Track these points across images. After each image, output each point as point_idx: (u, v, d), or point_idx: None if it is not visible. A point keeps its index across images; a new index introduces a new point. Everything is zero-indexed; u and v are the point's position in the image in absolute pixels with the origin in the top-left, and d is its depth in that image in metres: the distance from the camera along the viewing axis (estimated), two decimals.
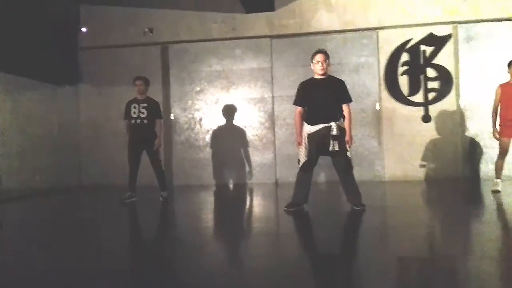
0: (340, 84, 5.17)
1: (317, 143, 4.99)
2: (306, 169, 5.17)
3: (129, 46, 9.20)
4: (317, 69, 5.07)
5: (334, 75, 8.57)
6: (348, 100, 5.14)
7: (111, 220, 5.46)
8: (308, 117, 5.10)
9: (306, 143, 5.07)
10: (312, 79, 5.21)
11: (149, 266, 3.28)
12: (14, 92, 7.80)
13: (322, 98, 4.99)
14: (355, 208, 5.02)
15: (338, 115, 5.03)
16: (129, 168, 6.58)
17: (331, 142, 4.90)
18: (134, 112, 6.45)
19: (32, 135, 8.12)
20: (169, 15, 9.10)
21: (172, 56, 9.12)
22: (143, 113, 6.42)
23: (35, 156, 8.12)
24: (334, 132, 4.91)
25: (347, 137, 5.01)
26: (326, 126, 4.94)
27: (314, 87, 5.10)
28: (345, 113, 5.08)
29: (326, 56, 5.10)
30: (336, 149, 4.92)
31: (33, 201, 7.38)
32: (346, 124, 5.06)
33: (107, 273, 3.07)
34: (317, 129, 4.98)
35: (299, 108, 5.19)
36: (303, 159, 5.14)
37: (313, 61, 5.10)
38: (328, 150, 4.96)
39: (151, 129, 6.45)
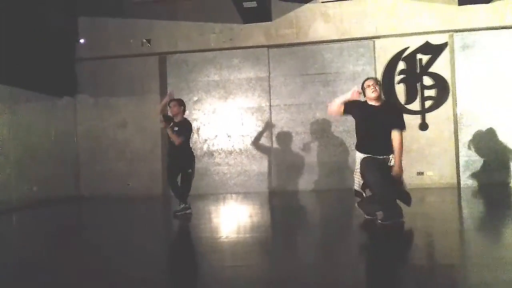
0: (398, 112, 4.87)
1: (378, 162, 4.62)
2: (380, 180, 4.56)
3: (127, 57, 9.25)
4: (369, 94, 4.72)
5: (331, 84, 8.82)
6: (402, 127, 4.71)
7: (109, 231, 5.46)
8: (361, 146, 4.79)
9: (359, 166, 4.73)
10: (368, 104, 4.78)
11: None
12: (12, 103, 7.82)
13: (379, 129, 4.64)
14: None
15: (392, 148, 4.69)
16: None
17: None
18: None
19: (30, 146, 8.13)
20: (167, 26, 9.16)
21: (170, 66, 9.16)
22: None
23: (33, 167, 8.12)
24: (392, 163, 4.63)
25: (396, 168, 4.60)
26: (384, 158, 4.66)
27: (370, 115, 4.70)
28: (396, 141, 4.64)
29: (378, 82, 4.80)
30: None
31: (32, 212, 7.37)
32: (396, 153, 4.63)
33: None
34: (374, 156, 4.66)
35: (343, 107, 4.78)
36: (358, 183, 4.82)
37: (364, 86, 4.78)
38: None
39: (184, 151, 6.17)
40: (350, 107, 4.79)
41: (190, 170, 6.17)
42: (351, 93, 4.73)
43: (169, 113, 6.21)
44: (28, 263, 3.83)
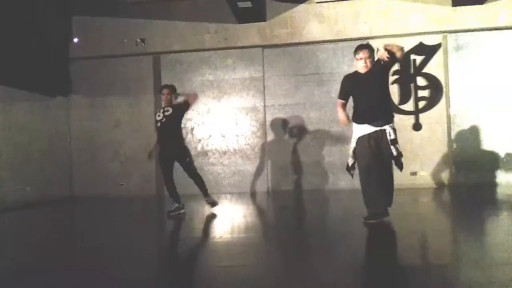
0: (380, 65, 4.73)
1: (371, 146, 4.63)
2: (366, 176, 4.66)
3: (121, 56, 9.22)
4: (359, 67, 4.74)
5: (325, 84, 8.83)
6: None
7: (102, 231, 5.44)
8: (356, 116, 4.77)
9: (355, 146, 4.75)
10: (356, 73, 4.82)
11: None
12: (5, 102, 7.77)
13: (370, 96, 4.65)
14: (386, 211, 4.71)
15: (389, 116, 4.72)
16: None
17: (391, 147, 4.61)
18: (159, 115, 6.18)
19: (23, 146, 8.08)
20: (161, 25, 9.14)
21: (164, 66, 9.14)
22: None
23: (26, 167, 8.08)
24: (392, 136, 4.63)
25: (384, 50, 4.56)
26: (380, 130, 4.64)
27: (358, 84, 4.74)
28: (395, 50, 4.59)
29: (371, 52, 4.71)
30: (395, 155, 4.65)
31: (25, 213, 7.33)
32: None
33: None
34: (369, 132, 4.65)
35: (341, 101, 4.89)
36: (351, 161, 4.85)
37: (356, 57, 4.75)
38: (385, 156, 4.64)
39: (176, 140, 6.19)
40: (345, 92, 4.88)
41: (188, 159, 6.17)
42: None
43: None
44: (18, 264, 3.81)
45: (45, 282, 3.22)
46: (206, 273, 3.38)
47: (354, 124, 4.80)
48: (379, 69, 4.72)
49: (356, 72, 4.84)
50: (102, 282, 3.18)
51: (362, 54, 4.69)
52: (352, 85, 4.84)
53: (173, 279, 3.25)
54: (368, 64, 4.67)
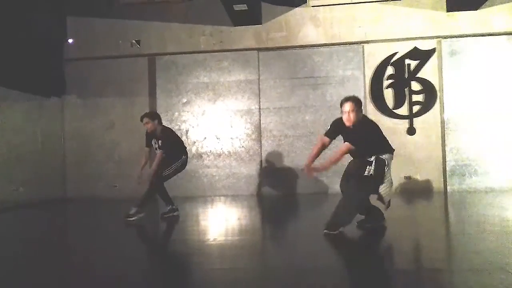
0: (362, 132, 4.66)
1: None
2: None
3: (116, 57, 9.19)
4: (344, 119, 4.65)
5: (320, 87, 8.85)
6: (355, 143, 4.59)
7: (93, 235, 5.41)
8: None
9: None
10: (343, 122, 4.73)
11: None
12: None
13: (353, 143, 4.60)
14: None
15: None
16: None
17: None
18: (154, 147, 6.20)
19: (16, 146, 8.03)
20: (156, 27, 9.13)
21: (159, 67, 9.13)
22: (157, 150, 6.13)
23: (19, 167, 8.02)
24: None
25: (324, 163, 4.63)
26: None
27: (344, 133, 4.72)
28: (338, 151, 4.64)
29: (356, 105, 4.62)
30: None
31: (17, 213, 7.28)
32: (332, 157, 4.63)
33: None
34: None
35: (325, 139, 4.79)
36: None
37: (341, 108, 4.68)
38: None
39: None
40: (334, 132, 4.79)
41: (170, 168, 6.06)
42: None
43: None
44: (8, 264, 3.78)
45: (32, 283, 3.20)
46: (198, 276, 3.36)
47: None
48: (360, 129, 4.63)
49: (342, 122, 4.73)
50: (93, 283, 3.16)
51: (347, 107, 4.60)
52: (342, 130, 4.75)
53: (166, 281, 3.23)
54: (351, 118, 4.59)
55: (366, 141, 4.60)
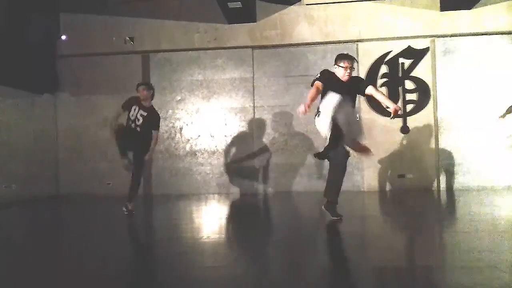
0: (360, 81, 5.26)
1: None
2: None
3: (109, 54, 9.14)
4: (341, 74, 5.01)
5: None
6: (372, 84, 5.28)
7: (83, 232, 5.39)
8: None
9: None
10: (335, 76, 5.06)
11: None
12: None
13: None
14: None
15: None
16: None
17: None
18: (132, 115, 6.06)
19: (8, 144, 7.97)
20: (150, 24, 9.09)
21: (153, 65, 9.09)
22: (138, 120, 6.03)
23: (11, 164, 7.97)
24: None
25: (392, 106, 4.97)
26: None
27: (338, 87, 4.90)
28: (377, 93, 5.09)
29: (354, 63, 5.08)
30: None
31: (10, 211, 7.24)
32: (383, 98, 5.14)
33: None
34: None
35: (319, 83, 4.95)
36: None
37: (339, 64, 5.00)
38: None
39: (144, 138, 6.09)
40: (327, 80, 4.96)
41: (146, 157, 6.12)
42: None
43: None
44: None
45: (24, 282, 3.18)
46: (192, 273, 3.36)
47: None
48: (355, 84, 5.08)
49: (335, 75, 5.04)
50: (84, 282, 3.14)
51: (348, 63, 4.95)
52: (334, 83, 4.95)
53: (159, 279, 3.22)
54: (351, 73, 4.98)
55: (355, 95, 5.12)
